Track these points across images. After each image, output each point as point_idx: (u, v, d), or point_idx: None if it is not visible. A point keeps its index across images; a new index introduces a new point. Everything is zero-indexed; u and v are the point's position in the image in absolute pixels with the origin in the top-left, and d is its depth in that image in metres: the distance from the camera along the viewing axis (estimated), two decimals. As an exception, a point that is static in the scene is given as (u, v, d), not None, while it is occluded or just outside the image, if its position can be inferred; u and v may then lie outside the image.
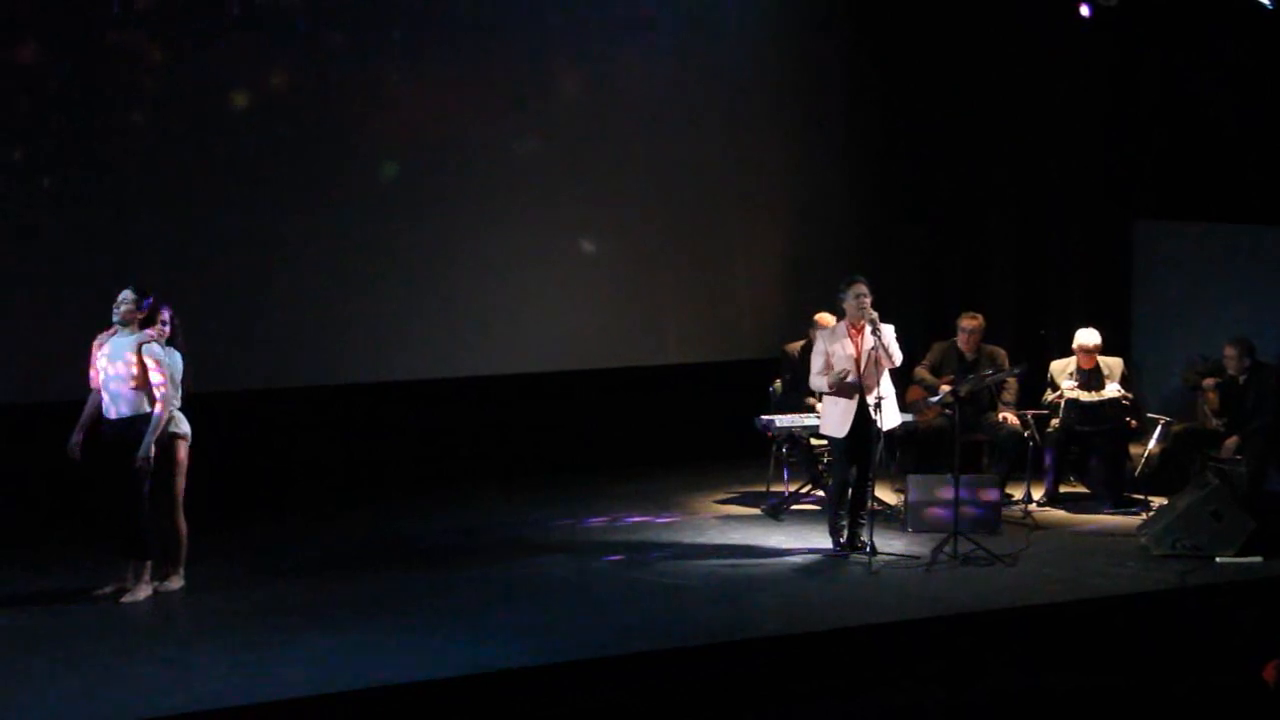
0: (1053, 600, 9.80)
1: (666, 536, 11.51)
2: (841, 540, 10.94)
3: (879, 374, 10.66)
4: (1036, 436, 12.38)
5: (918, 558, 10.67)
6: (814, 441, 12.18)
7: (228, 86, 12.56)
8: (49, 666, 8.49)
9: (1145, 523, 11.41)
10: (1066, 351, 12.66)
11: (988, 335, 12.46)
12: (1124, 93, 14.54)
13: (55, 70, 11.92)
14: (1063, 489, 12.54)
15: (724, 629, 9.20)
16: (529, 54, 13.50)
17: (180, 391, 9.71)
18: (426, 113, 13.20)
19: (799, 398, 12.28)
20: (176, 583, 9.83)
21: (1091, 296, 14.39)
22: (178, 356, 9.71)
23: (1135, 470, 12.61)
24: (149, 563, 9.63)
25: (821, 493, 12.22)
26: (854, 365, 10.64)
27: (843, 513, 10.95)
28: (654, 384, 14.03)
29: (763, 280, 14.58)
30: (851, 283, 10.72)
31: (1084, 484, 12.78)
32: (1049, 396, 12.53)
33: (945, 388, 11.70)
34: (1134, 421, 12.52)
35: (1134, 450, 12.75)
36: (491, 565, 10.72)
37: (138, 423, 9.47)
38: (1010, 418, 12.27)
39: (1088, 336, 12.46)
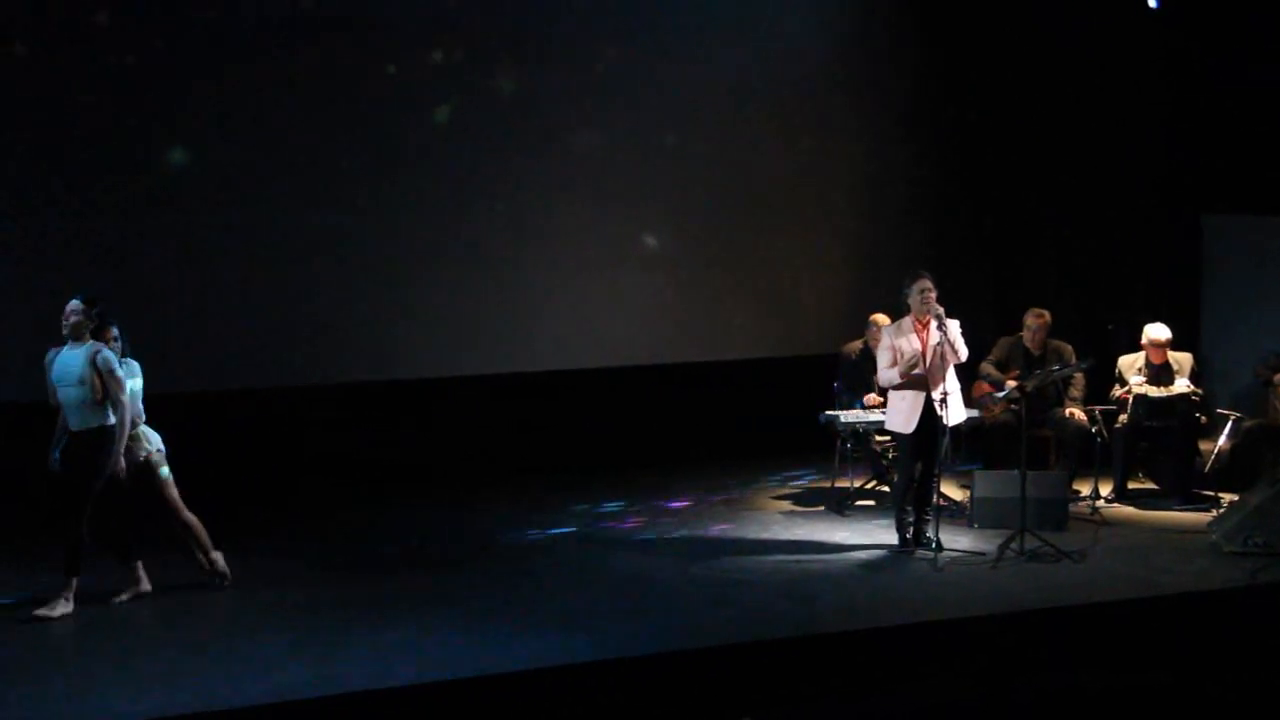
0: (1120, 598, 9.70)
1: (731, 532, 11.51)
2: (907, 536, 10.92)
3: (945, 369, 10.63)
4: (1104, 432, 12.31)
5: (984, 554, 10.62)
6: (878, 437, 12.17)
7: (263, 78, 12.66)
8: (116, 657, 8.58)
9: (1215, 519, 11.33)
10: (1134, 347, 12.59)
11: (1054, 330, 12.38)
12: (1192, 84, 14.39)
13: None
14: (1131, 485, 12.48)
15: (788, 625, 9.19)
16: (591, 49, 13.55)
17: (141, 403, 9.58)
18: (487, 109, 13.26)
19: (853, 399, 12.30)
20: (221, 562, 9.87)
21: (1159, 291, 14.28)
22: (136, 366, 9.60)
23: (1205, 466, 12.54)
24: (74, 581, 9.29)
25: (886, 488, 12.24)
26: (920, 360, 10.63)
27: (908, 509, 10.93)
28: (718, 379, 14.04)
29: (826, 276, 14.55)
30: (916, 277, 10.70)
31: (1153, 480, 12.73)
32: (1117, 392, 12.47)
33: (1011, 383, 11.66)
34: (1204, 417, 12.46)
35: (1204, 446, 12.67)
36: (555, 560, 10.79)
37: (99, 434, 9.23)
38: (1077, 413, 12.20)
39: (1159, 331, 12.37)
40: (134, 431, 9.50)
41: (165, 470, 9.72)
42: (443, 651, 8.63)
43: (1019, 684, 8.66)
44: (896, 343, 10.71)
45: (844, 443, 12.35)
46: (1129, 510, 12.08)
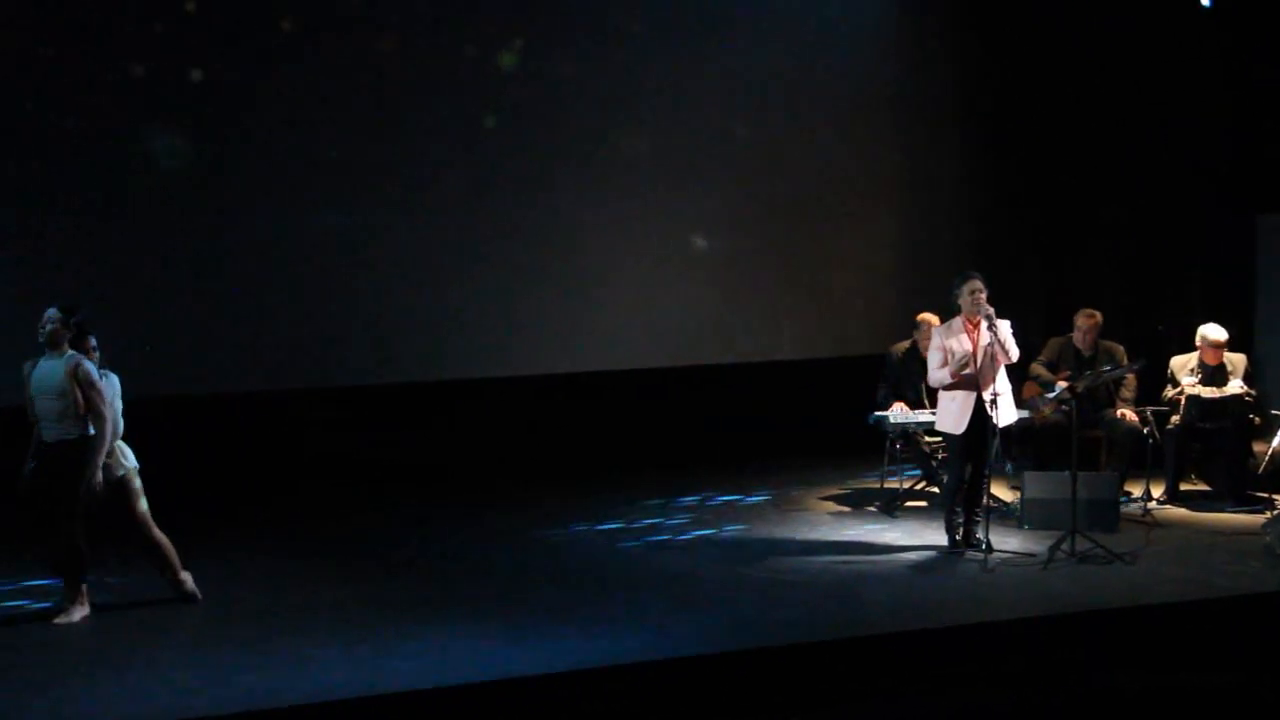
0: (1173, 600, 9.65)
1: (780, 532, 11.51)
2: (956, 537, 10.90)
3: (995, 370, 10.62)
4: (1156, 433, 12.25)
5: (1034, 555, 10.56)
6: (928, 438, 12.15)
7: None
8: (172, 656, 8.62)
9: (1269, 521, 11.21)
10: (1186, 347, 12.51)
11: (1105, 331, 12.32)
12: (1246, 83, 14.33)
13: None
14: (1183, 487, 12.42)
15: (837, 625, 9.16)
16: (642, 51, 13.60)
17: (120, 419, 9.32)
18: (535, 110, 13.30)
19: (888, 399, 12.30)
20: (190, 583, 9.51)
21: (1212, 291, 14.21)
22: (115, 379, 9.33)
23: (1259, 468, 12.44)
24: (84, 585, 9.20)
25: (935, 489, 12.24)
26: (972, 361, 10.61)
27: (958, 509, 10.90)
28: (767, 380, 14.06)
29: (875, 277, 14.58)
30: (966, 278, 10.68)
31: (1206, 482, 12.67)
32: (1169, 393, 12.40)
33: (1062, 384, 11.60)
34: (1257, 419, 12.43)
35: (1257, 448, 12.60)
36: (603, 560, 10.81)
37: (76, 446, 8.99)
38: (1129, 414, 12.13)
39: (1215, 332, 12.30)
40: (111, 446, 9.18)
41: (138, 486, 9.39)
42: (489, 652, 8.62)
43: (1070, 687, 8.59)
44: (947, 343, 10.68)
45: (893, 443, 12.35)
46: (1181, 512, 12.02)
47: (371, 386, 12.97)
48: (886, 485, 12.48)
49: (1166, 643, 9.21)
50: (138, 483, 9.38)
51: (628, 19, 13.55)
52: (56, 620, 9.12)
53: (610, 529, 11.65)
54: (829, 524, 11.80)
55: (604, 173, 13.55)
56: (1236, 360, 12.38)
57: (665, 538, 11.42)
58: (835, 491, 12.91)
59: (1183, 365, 12.40)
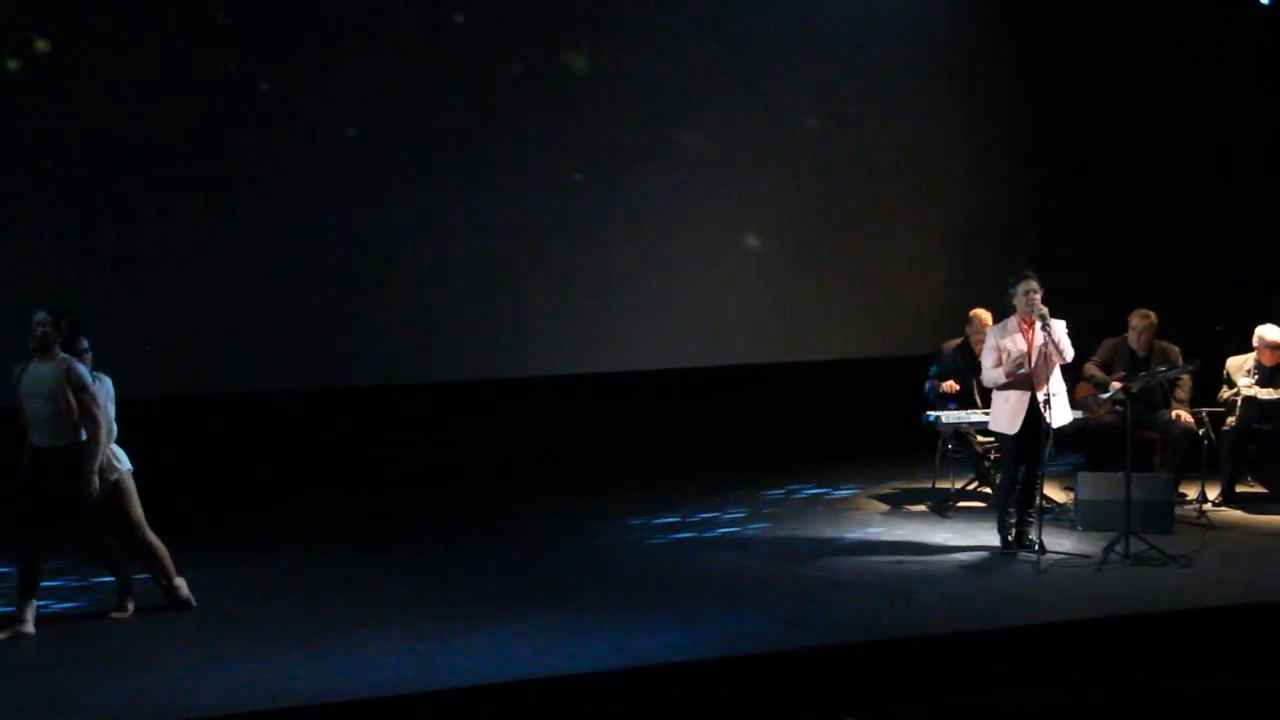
0: (1229, 602, 9.58)
1: (832, 531, 11.52)
2: (1009, 538, 10.88)
3: (1049, 370, 10.60)
4: (1211, 434, 12.20)
5: (1088, 557, 10.55)
6: (981, 438, 12.15)
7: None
8: (238, 647, 8.70)
9: (1327, 525, 11.26)
10: (1243, 348, 12.47)
11: (1160, 331, 12.28)
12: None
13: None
14: (1239, 489, 12.36)
15: (889, 625, 9.16)
16: (700, 53, 13.63)
17: (114, 422, 9.13)
18: (592, 114, 13.38)
19: (935, 389, 12.38)
20: (184, 589, 9.35)
21: (1270, 292, 14.10)
22: (108, 382, 9.14)
23: (1317, 470, 12.38)
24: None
25: (988, 489, 12.23)
26: (1026, 360, 10.59)
27: (1011, 510, 10.89)
28: (820, 379, 14.07)
29: (928, 277, 14.59)
30: (1021, 278, 10.66)
31: (1262, 484, 12.63)
32: (1225, 394, 12.37)
33: (1116, 384, 11.56)
34: (1314, 420, 12.33)
35: (1313, 449, 12.51)
36: (656, 557, 10.82)
37: (69, 452, 8.79)
38: (1184, 415, 12.10)
39: (1273, 332, 12.26)
40: (105, 450, 8.99)
41: (132, 489, 9.22)
42: (544, 648, 8.66)
43: (1123, 689, 8.54)
44: (1001, 343, 10.68)
45: (945, 443, 12.35)
46: (1237, 514, 11.97)
47: (423, 385, 13.02)
48: (938, 485, 12.46)
49: (1222, 646, 9.15)
50: (132, 485, 9.21)
51: (687, 28, 13.61)
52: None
53: (664, 526, 11.68)
54: (881, 523, 11.80)
55: (660, 173, 13.57)
56: (1294, 361, 12.32)
57: (717, 537, 11.42)
58: (887, 491, 12.92)
59: (1239, 366, 12.36)
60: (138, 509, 9.21)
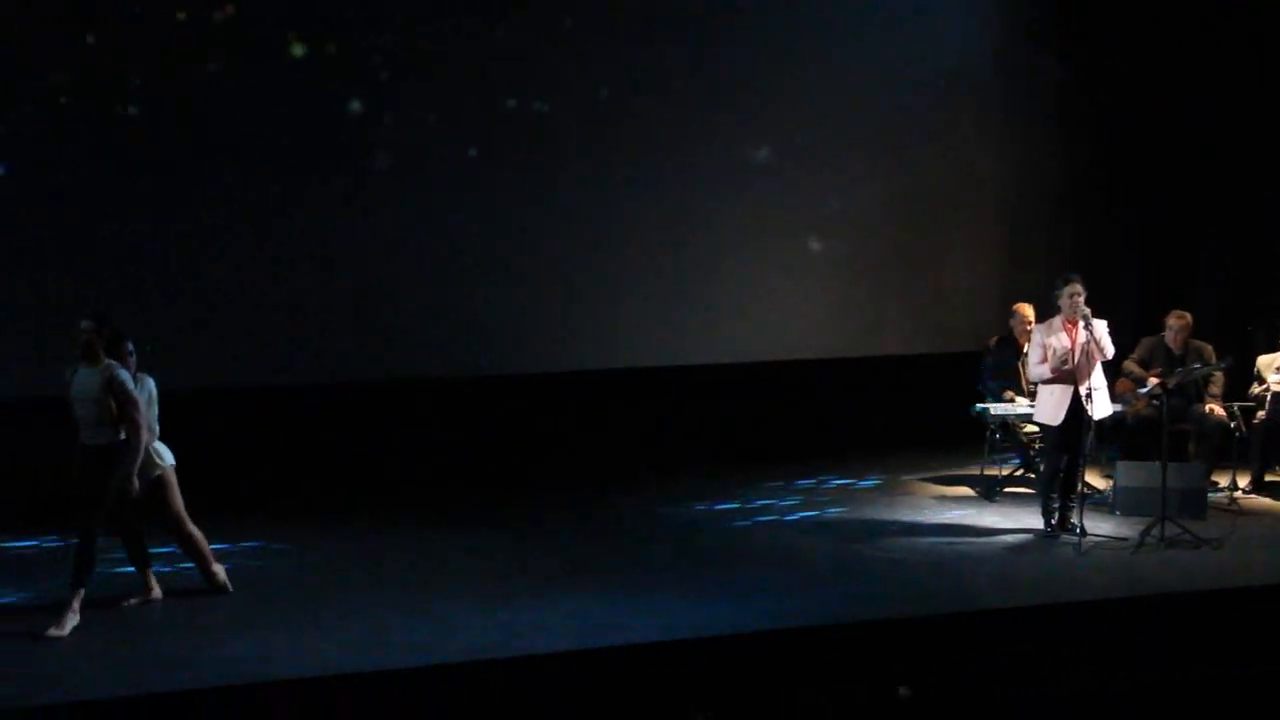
0: (1259, 583, 9.43)
1: (887, 514, 11.44)
2: (1052, 521, 10.77)
3: (1091, 366, 10.55)
4: (1243, 427, 11.99)
5: (1125, 539, 10.41)
6: (1027, 428, 12.02)
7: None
8: (332, 616, 8.70)
9: (1351, 512, 11.08)
10: (1273, 347, 12.33)
11: (1195, 331, 12.10)
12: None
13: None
14: (1268, 478, 12.16)
15: (940, 601, 9.07)
16: (761, 71, 13.46)
17: (156, 421, 8.91)
18: (668, 127, 13.25)
19: (997, 386, 12.21)
20: (222, 574, 9.15)
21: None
22: (150, 383, 8.90)
23: (1341, 461, 12.26)
24: (82, 590, 8.53)
25: (1033, 476, 12.12)
26: (1070, 357, 10.53)
27: (1054, 495, 10.79)
28: (875, 373, 13.92)
29: (977, 277, 14.39)
30: (1067, 281, 10.60)
31: (1289, 473, 12.45)
32: (1256, 389, 12.22)
33: (1154, 380, 11.47)
34: (1341, 415, 12.17)
35: (1341, 443, 12.40)
36: (728, 537, 10.73)
37: (109, 451, 8.54)
38: (1216, 409, 11.92)
39: (1300, 332, 12.22)
40: (147, 448, 8.77)
41: (174, 483, 8.99)
42: (615, 619, 8.62)
43: (1157, 667, 8.40)
44: (1047, 341, 10.60)
45: (993, 433, 12.25)
46: (1266, 501, 11.77)
47: (509, 377, 12.94)
48: (986, 472, 12.36)
49: (1253, 625, 8.98)
50: (174, 480, 8.98)
51: (749, 36, 13.42)
52: (49, 631, 8.33)
53: (731, 511, 11.56)
54: (933, 507, 11.70)
55: (725, 178, 13.48)
56: (1322, 360, 12.23)
57: (779, 519, 11.32)
58: (939, 477, 12.80)
59: (1269, 364, 12.22)
60: (179, 502, 9.01)
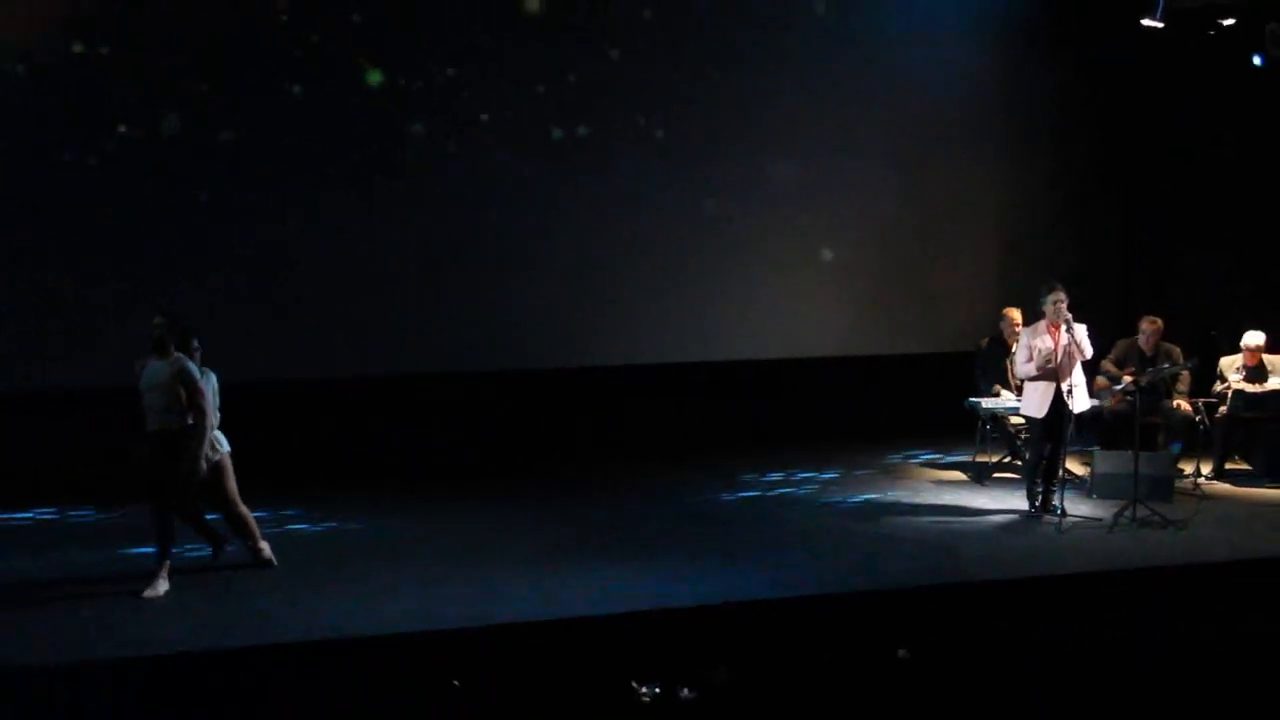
0: (1218, 560, 9.60)
1: (889, 496, 11.53)
2: (1036, 503, 10.89)
3: (1072, 365, 10.64)
4: (1206, 420, 12.10)
5: (1101, 520, 10.53)
6: (1013, 420, 12.10)
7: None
8: (391, 581, 8.93)
9: (1301, 496, 11.15)
10: (1235, 349, 12.39)
11: (1165, 334, 12.22)
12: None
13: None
14: (1228, 466, 12.27)
15: (936, 574, 9.20)
16: (782, 95, 13.56)
17: (218, 411, 9.00)
18: (698, 147, 13.37)
19: (986, 385, 12.29)
20: (267, 550, 9.24)
21: (1258, 302, 14.00)
22: (213, 376, 8.99)
23: (1293, 451, 12.27)
24: (166, 561, 8.77)
25: (1019, 463, 12.14)
26: (1053, 357, 10.62)
27: (1038, 480, 10.89)
28: (880, 369, 14.01)
29: (972, 286, 14.35)
30: (1051, 289, 10.69)
31: (1247, 462, 12.49)
32: (1218, 387, 12.30)
33: (1128, 378, 11.50)
34: (1293, 410, 12.27)
35: (1292, 434, 12.41)
36: (743, 517, 10.79)
37: (177, 436, 8.65)
38: (1184, 404, 12.05)
39: (1253, 338, 12.21)
40: (209, 435, 8.85)
41: (230, 468, 9.09)
42: (648, 587, 8.75)
43: (1131, 632, 8.54)
44: (1033, 342, 10.68)
45: (984, 425, 12.31)
46: (1226, 487, 11.89)
47: (562, 369, 13.05)
48: (978, 459, 12.43)
49: (1213, 595, 9.15)
50: (229, 465, 9.06)
51: (768, 67, 13.52)
52: (144, 594, 8.60)
53: (747, 494, 11.60)
54: (930, 490, 11.78)
55: (746, 192, 13.55)
56: (1276, 361, 12.22)
57: (791, 500, 11.36)
58: (935, 463, 12.86)
59: (1230, 364, 12.32)
60: (233, 485, 9.08)
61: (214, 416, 8.93)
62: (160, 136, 11.70)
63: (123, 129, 11.62)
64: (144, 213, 11.67)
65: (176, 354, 8.72)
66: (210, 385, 8.96)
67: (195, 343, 8.96)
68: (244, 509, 9.16)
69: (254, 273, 12.01)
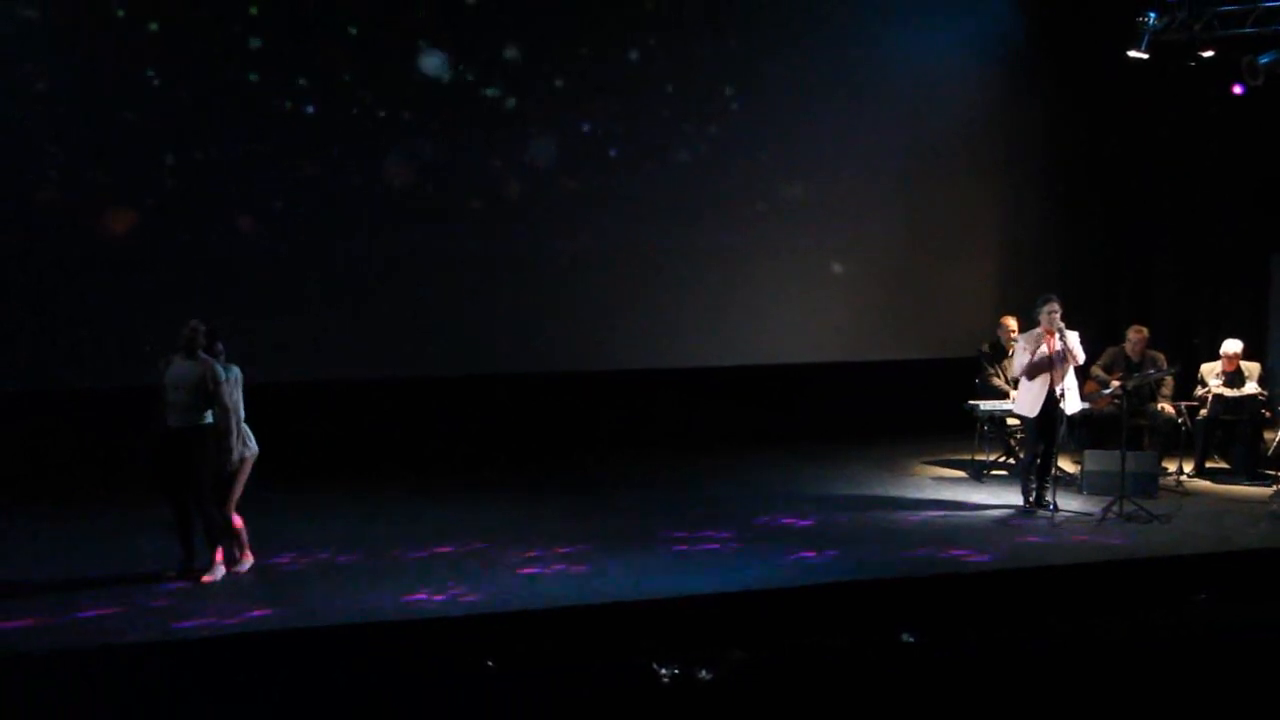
0: (1200, 551, 9.56)
1: (892, 492, 11.44)
2: (1030, 499, 10.80)
3: (1065, 370, 10.56)
4: (1188, 422, 12.06)
5: (1091, 514, 10.48)
6: (1009, 421, 12.04)
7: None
8: (426, 568, 8.83)
9: (1276, 492, 11.15)
10: (1215, 356, 12.33)
11: (1151, 342, 12.12)
12: (1268, 154, 13.96)
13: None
14: (1208, 465, 12.17)
15: (936, 564, 9.14)
16: (795, 121, 13.47)
17: (241, 402, 8.67)
18: (718, 167, 13.32)
19: (985, 386, 12.23)
20: (219, 573, 8.64)
21: (1236, 313, 13.90)
22: (236, 370, 8.66)
23: (1269, 451, 12.20)
24: (221, 548, 8.65)
25: (1014, 461, 12.11)
26: (1047, 362, 10.54)
27: (1032, 477, 10.81)
28: (886, 374, 13.86)
29: (972, 297, 14.26)
30: (1046, 300, 10.63)
31: (1226, 461, 12.40)
32: (1199, 391, 12.22)
33: (1116, 383, 11.45)
34: (1268, 412, 12.20)
35: (1267, 435, 12.38)
36: (755, 512, 10.59)
37: (201, 431, 8.47)
38: (1167, 407, 11.97)
39: (1231, 345, 12.15)
40: (240, 430, 8.63)
41: (247, 472, 8.75)
42: (666, 574, 8.72)
43: (1117, 617, 8.52)
44: (1028, 348, 10.63)
45: (982, 425, 12.24)
46: (1206, 484, 11.81)
47: (590, 371, 12.97)
48: (976, 458, 12.32)
49: (1194, 585, 9.08)
50: (247, 471, 8.72)
51: (779, 90, 13.45)
52: (204, 578, 8.52)
53: (761, 490, 11.43)
54: (930, 486, 11.72)
55: (766, 211, 13.50)
56: (1252, 367, 12.18)
57: (801, 495, 11.22)
58: (935, 461, 12.78)
59: (1210, 370, 12.25)
60: (238, 491, 8.73)
61: (238, 408, 8.67)
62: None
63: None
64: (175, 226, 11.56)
65: (203, 355, 8.56)
66: (234, 377, 8.67)
67: (220, 345, 8.75)
68: (231, 515, 8.77)
69: (276, 276, 11.87)
